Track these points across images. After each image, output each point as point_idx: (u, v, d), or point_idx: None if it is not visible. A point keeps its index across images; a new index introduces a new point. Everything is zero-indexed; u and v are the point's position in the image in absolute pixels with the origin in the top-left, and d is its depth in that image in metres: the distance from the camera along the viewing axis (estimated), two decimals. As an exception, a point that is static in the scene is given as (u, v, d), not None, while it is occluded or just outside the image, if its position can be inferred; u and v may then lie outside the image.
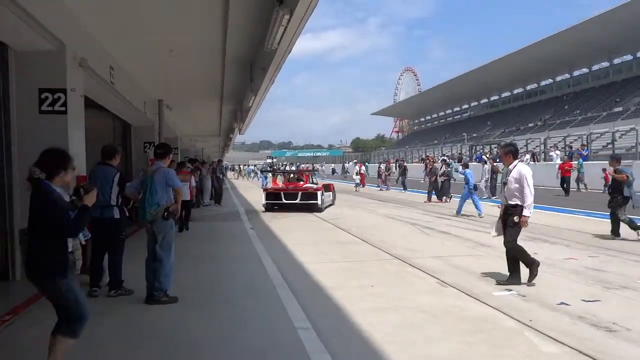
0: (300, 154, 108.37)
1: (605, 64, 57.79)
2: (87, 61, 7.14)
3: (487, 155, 38.10)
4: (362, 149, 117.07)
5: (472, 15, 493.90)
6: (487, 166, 18.84)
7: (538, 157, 27.95)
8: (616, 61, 56.56)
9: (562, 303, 5.36)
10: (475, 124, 73.87)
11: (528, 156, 27.97)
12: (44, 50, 6.50)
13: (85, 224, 3.45)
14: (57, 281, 3.20)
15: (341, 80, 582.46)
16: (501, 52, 64.72)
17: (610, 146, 33.78)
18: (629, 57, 54.49)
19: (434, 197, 18.07)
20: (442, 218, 13.42)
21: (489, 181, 18.85)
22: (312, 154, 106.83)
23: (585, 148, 25.78)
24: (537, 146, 40.41)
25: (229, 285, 6.23)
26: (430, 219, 13.14)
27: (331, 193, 17.46)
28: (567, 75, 63.20)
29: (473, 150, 46.36)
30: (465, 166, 14.79)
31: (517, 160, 6.45)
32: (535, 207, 14.96)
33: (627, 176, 9.24)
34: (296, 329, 4.51)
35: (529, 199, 6.12)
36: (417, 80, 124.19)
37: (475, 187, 14.24)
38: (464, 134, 62.75)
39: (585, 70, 60.47)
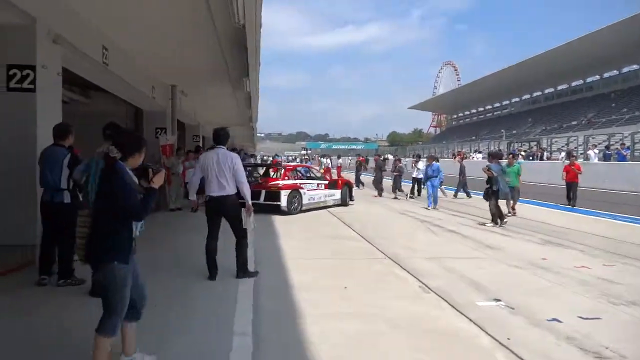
0: (335, 146, 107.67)
1: (657, 60, 54.39)
2: (62, 37, 6.78)
3: (522, 152, 36.61)
4: (398, 142, 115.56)
5: (517, 8, 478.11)
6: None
7: (576, 156, 26.29)
8: (670, 57, 53.13)
9: (554, 319, 4.64)
10: (515, 121, 71.33)
11: (563, 154, 26.42)
12: (12, 24, 6.18)
13: (151, 207, 3.25)
14: (115, 266, 3.04)
15: (380, 73, 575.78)
16: (547, 46, 61.80)
17: (657, 146, 31.68)
18: (683, 53, 51.04)
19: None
20: (456, 216, 12.61)
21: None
22: (347, 147, 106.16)
23: (626, 147, 24.09)
24: (579, 145, 38.54)
25: (189, 280, 5.76)
26: (442, 216, 12.37)
27: (339, 191, 14.48)
28: (615, 72, 59.90)
29: (511, 147, 44.81)
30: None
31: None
32: (552, 207, 14.32)
33: (492, 173, 10.73)
34: (233, 334, 4.01)
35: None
36: (457, 74, 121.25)
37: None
38: (502, 130, 60.59)
39: (635, 66, 57.05)
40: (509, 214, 12.25)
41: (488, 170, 10.84)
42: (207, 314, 4.60)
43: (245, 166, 6.13)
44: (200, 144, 22.30)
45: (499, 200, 10.90)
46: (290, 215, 12.02)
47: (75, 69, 8.68)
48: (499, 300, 5.26)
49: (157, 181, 3.28)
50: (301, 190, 12.77)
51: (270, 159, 45.43)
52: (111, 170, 3.10)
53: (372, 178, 20.41)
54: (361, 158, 27.23)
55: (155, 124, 15.15)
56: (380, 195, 18.20)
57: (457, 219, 11.97)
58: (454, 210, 13.69)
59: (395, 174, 17.85)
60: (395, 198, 17.20)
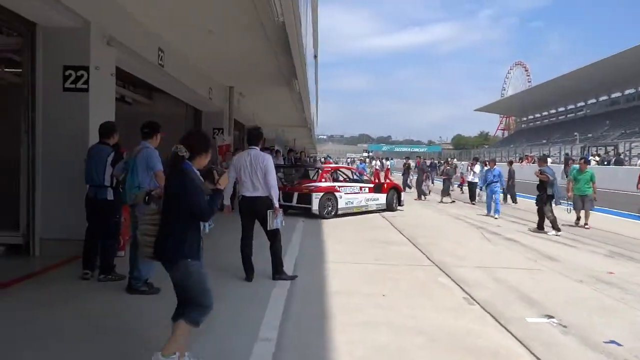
0: (397, 149, 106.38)
1: None
2: (115, 39, 6.99)
3: (597, 157, 34.41)
4: (463, 146, 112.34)
5: (599, 3, 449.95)
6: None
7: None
8: None
9: (611, 341, 4.16)
10: (590, 124, 67.19)
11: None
12: (68, 27, 6.44)
13: (217, 208, 3.24)
14: (189, 263, 3.09)
15: (447, 74, 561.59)
16: (630, 43, 56.95)
17: None
18: None
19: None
20: (516, 222, 11.92)
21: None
22: (409, 149, 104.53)
23: None
24: (661, 150, 35.73)
25: (225, 280, 5.68)
26: (501, 223, 11.73)
27: (384, 195, 13.56)
28: None
29: (585, 152, 42.34)
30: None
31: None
32: (625, 216, 13.11)
33: (548, 177, 10.09)
34: (256, 340, 3.89)
35: None
36: (528, 75, 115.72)
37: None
38: (575, 133, 57.19)
39: None
40: (577, 224, 11.27)
41: (541, 173, 10.14)
42: (237, 316, 4.51)
43: (280, 167, 6.05)
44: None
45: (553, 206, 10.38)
46: (340, 218, 11.83)
47: (131, 70, 8.99)
48: (552, 317, 4.81)
49: (223, 183, 3.28)
50: (337, 194, 12.12)
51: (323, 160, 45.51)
52: (179, 169, 3.09)
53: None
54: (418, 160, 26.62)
55: (213, 125, 15.51)
56: (419, 198, 17.80)
57: (517, 226, 11.30)
58: (514, 217, 12.96)
59: (443, 177, 17.46)
60: (441, 202, 16.87)
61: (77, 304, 4.68)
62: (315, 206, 11.59)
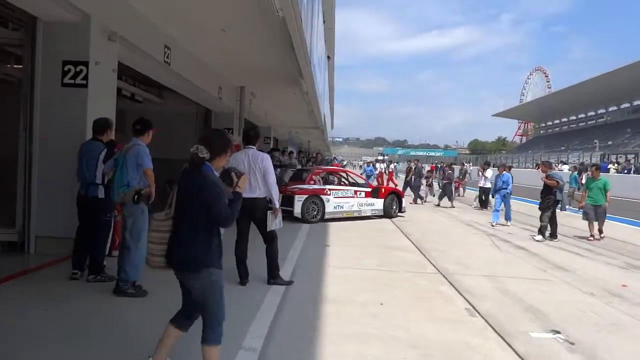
0: (412, 153, 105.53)
1: None
2: (117, 34, 6.87)
3: (616, 164, 33.68)
4: (480, 151, 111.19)
5: (623, 7, 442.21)
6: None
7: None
8: None
9: (621, 362, 3.88)
10: (611, 131, 65.92)
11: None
12: (68, 21, 6.33)
13: (237, 212, 2.99)
14: (212, 271, 2.90)
15: (466, 79, 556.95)
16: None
17: None
18: None
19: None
20: (528, 230, 11.53)
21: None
22: (425, 153, 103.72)
23: None
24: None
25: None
26: (513, 230, 11.39)
27: (381, 200, 12.62)
28: None
29: (604, 159, 41.56)
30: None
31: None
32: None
33: (557, 182, 9.84)
34: (240, 349, 3.69)
35: None
36: (547, 81, 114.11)
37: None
38: (595, 140, 56.09)
39: None
40: (592, 237, 10.63)
41: (550, 178, 9.79)
42: (225, 323, 4.31)
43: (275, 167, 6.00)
44: (272, 146, 22.76)
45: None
46: (348, 222, 11.60)
47: (136, 67, 8.90)
48: (558, 332, 4.53)
49: (242, 185, 3.05)
50: (324, 197, 11.33)
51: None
52: (198, 171, 2.85)
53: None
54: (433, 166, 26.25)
55: (223, 125, 15.39)
56: (415, 202, 17.73)
57: (529, 234, 10.92)
58: (527, 224, 12.55)
59: (444, 181, 17.55)
60: (438, 205, 16.94)
61: (63, 304, 4.54)
62: (297, 209, 10.87)
